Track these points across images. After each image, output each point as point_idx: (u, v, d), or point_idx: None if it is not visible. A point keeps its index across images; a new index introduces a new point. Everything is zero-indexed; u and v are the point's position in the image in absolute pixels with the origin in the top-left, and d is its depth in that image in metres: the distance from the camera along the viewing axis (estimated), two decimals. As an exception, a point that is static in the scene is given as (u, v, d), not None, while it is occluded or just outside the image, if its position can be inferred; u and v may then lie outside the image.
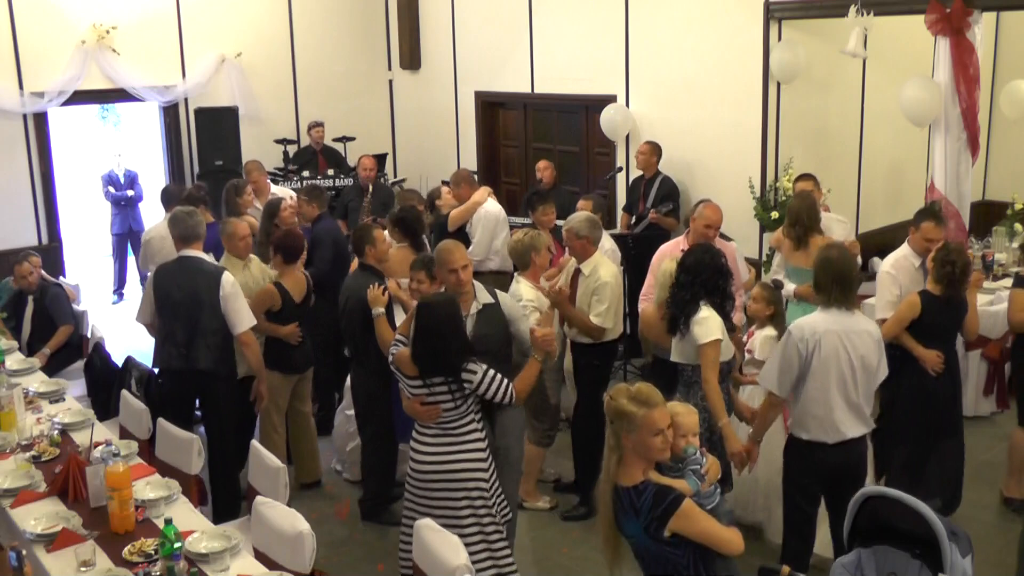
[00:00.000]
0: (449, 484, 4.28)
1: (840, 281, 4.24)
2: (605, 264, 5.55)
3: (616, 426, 3.20)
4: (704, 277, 4.62)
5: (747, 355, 5.32)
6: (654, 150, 7.91)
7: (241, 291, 5.38)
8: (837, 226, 6.30)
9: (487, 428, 4.45)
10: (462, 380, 4.20)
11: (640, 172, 8.02)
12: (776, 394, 4.32)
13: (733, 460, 4.52)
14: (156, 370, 5.65)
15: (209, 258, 5.51)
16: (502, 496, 4.47)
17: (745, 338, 5.45)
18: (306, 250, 6.02)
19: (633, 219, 7.90)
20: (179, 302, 5.27)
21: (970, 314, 5.21)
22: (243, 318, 5.28)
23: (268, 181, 8.23)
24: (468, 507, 4.29)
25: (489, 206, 7.45)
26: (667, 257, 5.37)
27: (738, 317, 5.77)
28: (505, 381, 4.25)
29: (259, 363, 5.48)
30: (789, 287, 6.06)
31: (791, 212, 6.09)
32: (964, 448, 5.37)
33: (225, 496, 5.39)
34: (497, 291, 4.75)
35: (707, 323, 4.52)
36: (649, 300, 5.49)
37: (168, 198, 7.28)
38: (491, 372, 4.22)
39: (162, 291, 5.34)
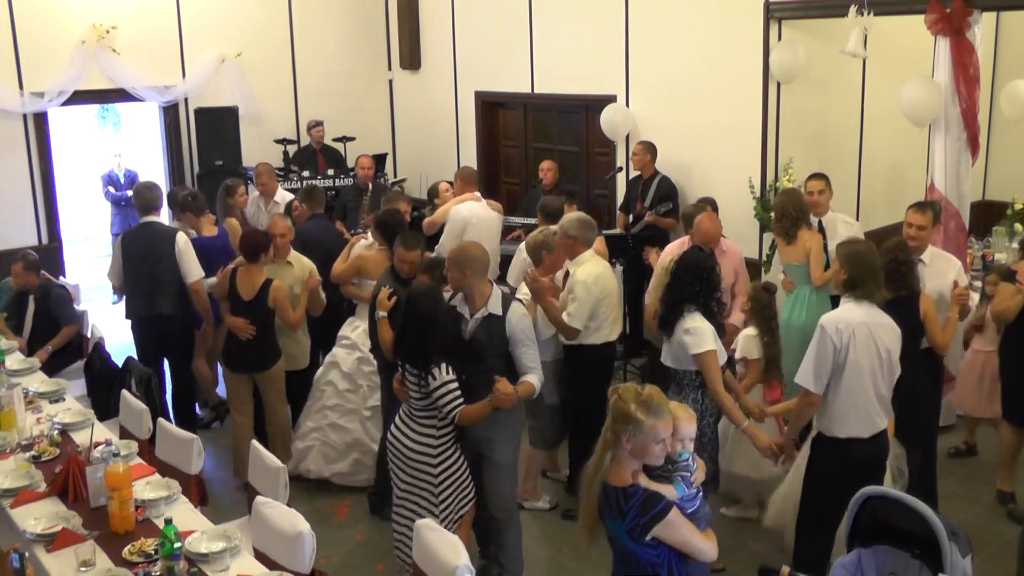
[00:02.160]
0: (401, 462, 4.56)
1: (876, 275, 4.29)
2: (587, 264, 5.52)
3: (618, 427, 3.18)
4: (686, 282, 4.64)
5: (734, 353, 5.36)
6: (648, 150, 7.89)
7: (192, 248, 6.31)
8: (843, 227, 6.27)
9: (456, 428, 4.52)
10: (426, 375, 4.40)
11: (637, 172, 8.03)
12: (812, 392, 4.28)
13: (765, 453, 4.59)
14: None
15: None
16: (464, 493, 4.56)
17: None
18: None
19: (630, 219, 7.90)
20: (142, 259, 6.27)
21: (932, 326, 5.02)
22: (192, 270, 6.29)
23: (277, 184, 8.24)
24: (413, 489, 4.55)
25: (462, 209, 7.21)
26: (671, 255, 5.39)
27: (737, 317, 5.80)
28: (457, 401, 4.36)
29: (206, 310, 6.49)
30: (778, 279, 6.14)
31: (776, 208, 6.15)
32: (932, 460, 5.32)
33: (187, 424, 6.25)
34: (515, 307, 4.58)
35: (698, 334, 4.50)
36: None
37: (173, 202, 7.27)
38: (451, 386, 4.36)
39: (128, 252, 6.32)
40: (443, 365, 4.38)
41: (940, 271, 5.31)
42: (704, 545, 3.23)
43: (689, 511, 3.29)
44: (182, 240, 6.30)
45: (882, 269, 4.39)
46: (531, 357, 4.53)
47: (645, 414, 3.12)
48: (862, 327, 4.20)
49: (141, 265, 6.26)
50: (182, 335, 6.55)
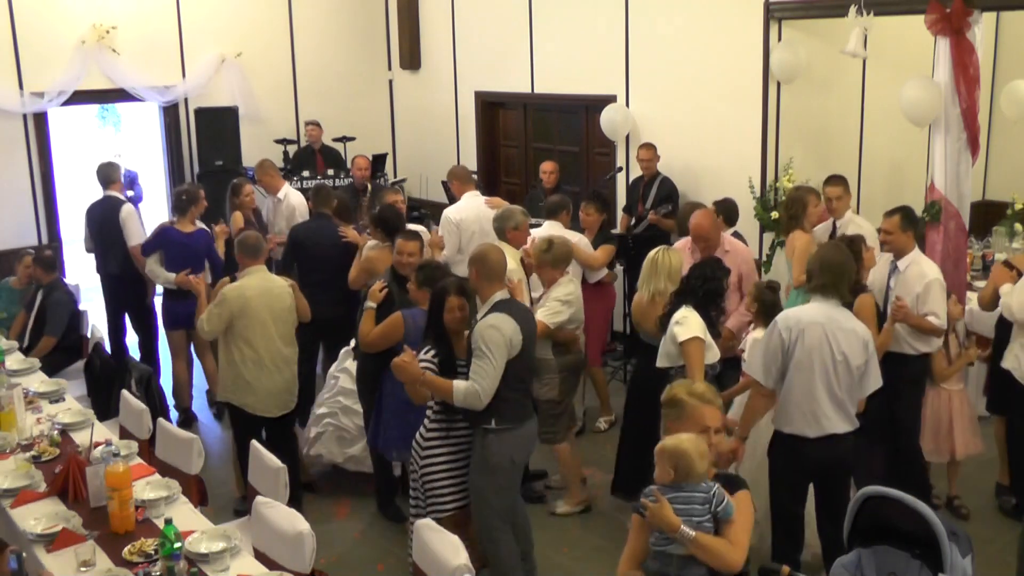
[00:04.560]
0: None
1: (844, 276, 4.33)
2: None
3: (666, 413, 3.30)
4: (692, 284, 4.75)
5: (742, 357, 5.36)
6: (655, 152, 7.91)
7: (135, 217, 7.45)
8: (854, 229, 6.19)
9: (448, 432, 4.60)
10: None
11: (640, 173, 8.03)
12: (762, 384, 4.36)
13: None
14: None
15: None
16: (440, 498, 4.59)
17: (743, 336, 5.48)
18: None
19: (633, 220, 7.90)
20: (99, 226, 7.43)
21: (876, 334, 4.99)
22: (132, 236, 7.33)
23: (280, 181, 8.20)
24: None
25: (449, 213, 7.13)
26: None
27: (735, 322, 5.80)
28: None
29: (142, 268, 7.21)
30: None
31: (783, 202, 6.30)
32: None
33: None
34: (489, 317, 4.41)
35: (686, 321, 4.57)
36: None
37: (178, 199, 7.27)
38: (424, 362, 4.56)
39: (89, 220, 7.54)
40: (426, 348, 4.63)
41: (909, 283, 5.26)
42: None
43: (660, 547, 3.17)
44: (126, 211, 7.42)
45: (848, 271, 4.43)
46: (475, 368, 4.32)
47: (690, 397, 3.24)
48: (815, 327, 4.23)
49: (98, 231, 7.48)
50: (135, 293, 7.57)
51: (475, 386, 4.29)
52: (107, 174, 7.60)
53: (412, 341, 4.93)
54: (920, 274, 5.24)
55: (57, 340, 6.64)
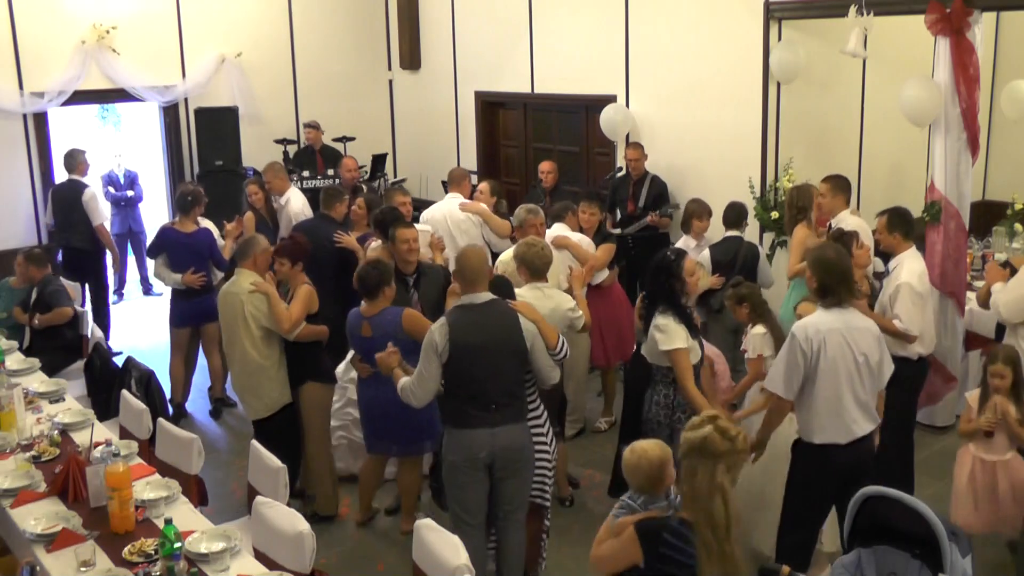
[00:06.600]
0: None
1: (845, 280, 4.27)
2: None
3: None
4: (655, 280, 4.73)
5: (744, 354, 5.37)
6: (643, 151, 7.94)
7: (97, 199, 8.37)
8: (851, 218, 6.12)
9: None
10: None
11: (626, 173, 8.04)
12: (783, 397, 4.29)
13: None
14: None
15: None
16: None
17: (743, 338, 5.48)
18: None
19: (619, 219, 7.89)
20: (63, 206, 8.25)
21: None
22: (95, 215, 8.24)
23: (286, 183, 8.17)
24: None
25: (426, 212, 7.33)
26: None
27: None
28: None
29: (111, 246, 8.59)
30: None
31: (785, 200, 6.43)
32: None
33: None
34: (438, 321, 4.41)
35: (668, 331, 4.55)
36: None
37: (183, 199, 7.25)
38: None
39: (55, 200, 8.36)
40: None
41: (888, 284, 5.26)
42: None
43: None
44: (88, 193, 8.22)
45: (851, 273, 4.39)
46: (418, 365, 4.40)
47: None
48: (834, 334, 4.17)
49: (62, 210, 8.25)
50: (94, 267, 8.43)
51: (409, 384, 4.40)
52: (75, 160, 8.39)
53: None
54: (896, 276, 5.23)
55: (72, 311, 6.75)
